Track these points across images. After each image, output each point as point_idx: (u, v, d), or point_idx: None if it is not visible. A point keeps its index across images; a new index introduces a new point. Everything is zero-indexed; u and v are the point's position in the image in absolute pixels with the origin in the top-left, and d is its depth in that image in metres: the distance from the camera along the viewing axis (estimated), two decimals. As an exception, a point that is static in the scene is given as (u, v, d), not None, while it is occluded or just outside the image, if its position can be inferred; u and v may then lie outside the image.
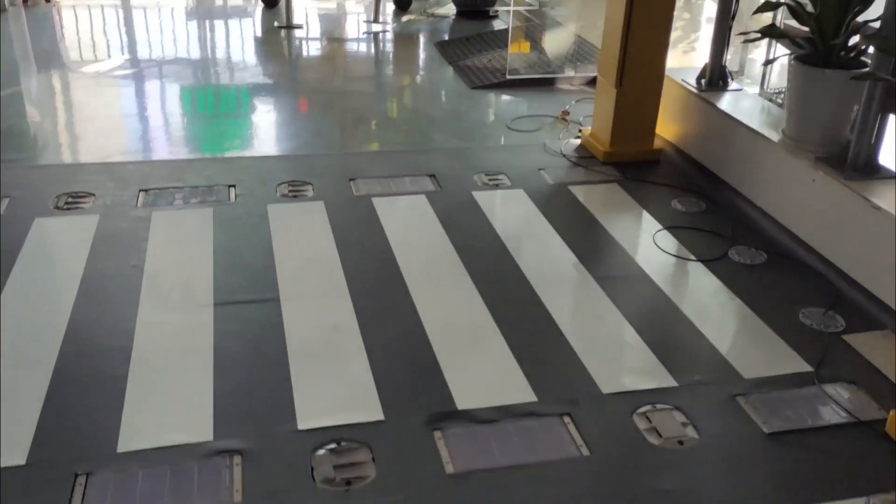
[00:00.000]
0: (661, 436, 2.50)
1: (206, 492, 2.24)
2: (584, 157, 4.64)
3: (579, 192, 4.21)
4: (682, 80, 4.59)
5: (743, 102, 4.33)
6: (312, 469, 2.33)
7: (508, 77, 6.01)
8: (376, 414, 2.56)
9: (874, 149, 3.39)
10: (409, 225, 3.83)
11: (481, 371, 2.79)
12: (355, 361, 2.81)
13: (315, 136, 5.03)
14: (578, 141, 4.84)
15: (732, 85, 4.51)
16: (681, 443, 2.48)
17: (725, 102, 4.32)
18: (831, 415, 2.62)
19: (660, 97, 4.51)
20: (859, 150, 3.37)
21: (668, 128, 4.70)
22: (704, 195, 4.19)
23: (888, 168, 3.39)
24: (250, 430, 2.46)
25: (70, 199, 3.91)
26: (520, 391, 2.68)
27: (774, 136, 3.85)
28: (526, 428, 2.52)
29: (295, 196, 4.05)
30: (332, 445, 2.42)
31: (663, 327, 3.09)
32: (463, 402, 2.62)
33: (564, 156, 4.65)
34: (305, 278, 3.32)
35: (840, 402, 2.67)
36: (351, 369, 2.77)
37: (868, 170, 3.38)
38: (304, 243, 3.61)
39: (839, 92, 3.56)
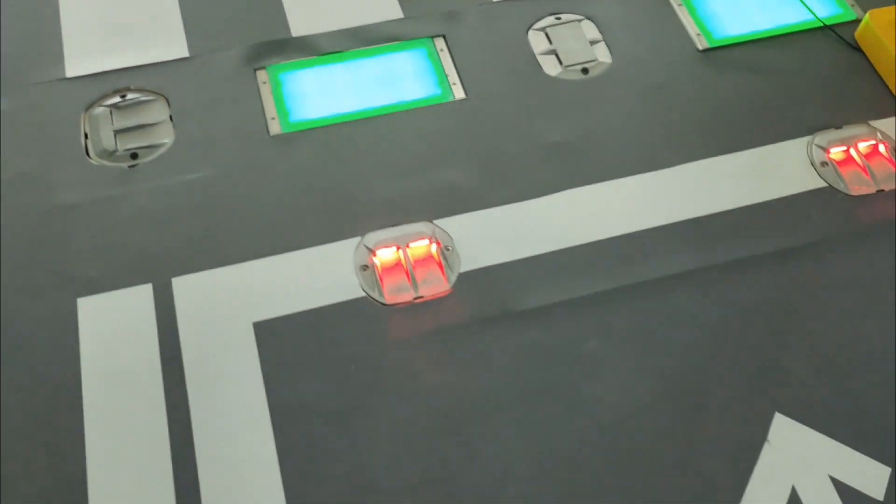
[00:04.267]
0: (561, 63, 1.88)
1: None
2: None
3: None
4: None
5: None
6: (86, 137, 1.73)
7: None
8: (178, 48, 1.87)
9: None
10: None
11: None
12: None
13: None
14: None
15: None
16: (585, 71, 1.88)
17: None
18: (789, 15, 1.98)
19: None
20: None
21: None
22: None
23: None
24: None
25: None
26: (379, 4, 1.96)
27: None
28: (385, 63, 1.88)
29: None
30: (115, 99, 1.78)
31: None
32: (300, 24, 1.91)
33: None
34: None
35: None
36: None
37: None
38: None
39: None
